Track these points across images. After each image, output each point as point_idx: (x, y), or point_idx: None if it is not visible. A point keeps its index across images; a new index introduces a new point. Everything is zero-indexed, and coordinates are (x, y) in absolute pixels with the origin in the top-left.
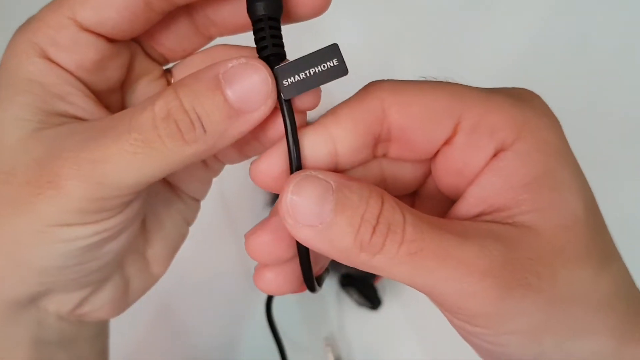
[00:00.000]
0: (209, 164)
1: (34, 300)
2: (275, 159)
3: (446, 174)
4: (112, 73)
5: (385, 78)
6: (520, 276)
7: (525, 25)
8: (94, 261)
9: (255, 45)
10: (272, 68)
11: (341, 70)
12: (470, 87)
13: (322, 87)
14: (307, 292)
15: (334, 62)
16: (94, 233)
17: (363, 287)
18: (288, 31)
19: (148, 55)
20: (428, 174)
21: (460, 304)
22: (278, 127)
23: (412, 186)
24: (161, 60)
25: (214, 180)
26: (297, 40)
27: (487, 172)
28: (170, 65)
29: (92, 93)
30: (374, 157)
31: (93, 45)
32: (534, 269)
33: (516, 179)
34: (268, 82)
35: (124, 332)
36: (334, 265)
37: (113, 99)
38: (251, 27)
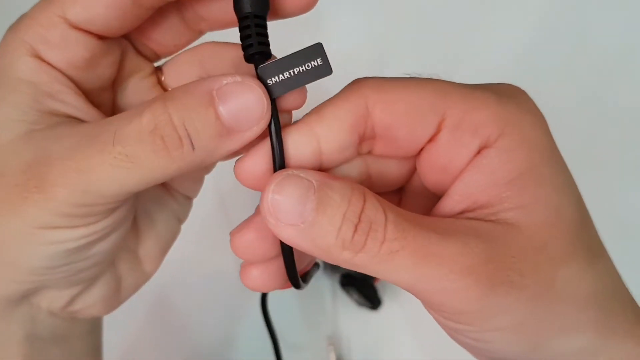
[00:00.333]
0: None
1: (25, 297)
2: (259, 158)
3: (431, 171)
4: (103, 71)
5: (384, 75)
6: (503, 274)
7: (525, 25)
8: (83, 261)
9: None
10: (256, 66)
11: (325, 69)
12: (454, 83)
13: (316, 83)
14: (308, 292)
15: (318, 61)
16: (81, 236)
17: (363, 287)
18: (288, 31)
19: (139, 51)
20: (413, 170)
21: (442, 302)
22: None
23: (398, 182)
24: (152, 56)
25: (211, 176)
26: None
27: (470, 168)
28: (161, 62)
29: (83, 91)
30: (359, 154)
31: (83, 43)
32: (516, 266)
33: (499, 175)
34: (263, 103)
35: (120, 329)
36: (334, 265)
37: (104, 96)
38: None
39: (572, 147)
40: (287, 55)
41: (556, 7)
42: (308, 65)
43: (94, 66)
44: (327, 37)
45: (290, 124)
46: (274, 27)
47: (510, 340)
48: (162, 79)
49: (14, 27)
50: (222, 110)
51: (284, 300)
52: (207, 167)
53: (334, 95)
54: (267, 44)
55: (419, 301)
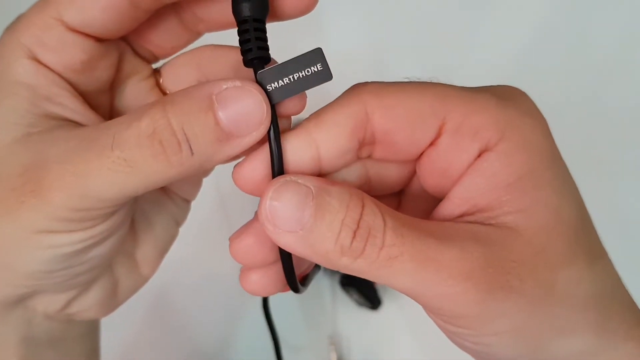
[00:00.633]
0: None
1: (21, 300)
2: (257, 164)
3: (431, 175)
4: (101, 73)
5: (385, 77)
6: (502, 278)
7: (525, 25)
8: (80, 265)
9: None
10: (256, 71)
11: (325, 75)
12: (454, 87)
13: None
14: (308, 292)
15: (318, 66)
16: (78, 240)
17: (363, 287)
18: (287, 32)
19: (137, 53)
20: (413, 173)
21: (442, 306)
22: None
23: (397, 186)
24: (150, 58)
25: (211, 177)
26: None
27: (471, 172)
28: (159, 64)
29: (80, 94)
30: (359, 158)
31: (80, 45)
32: (515, 270)
33: (499, 179)
34: (262, 108)
35: (120, 329)
36: None
37: (102, 99)
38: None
39: (572, 147)
40: (286, 61)
41: (556, 7)
42: (308, 71)
43: (92, 69)
44: (326, 38)
45: (289, 129)
46: (273, 28)
47: (509, 344)
48: (161, 81)
49: (10, 29)
50: (222, 115)
51: (284, 300)
52: (206, 171)
53: (333, 101)
54: (267, 49)
55: None
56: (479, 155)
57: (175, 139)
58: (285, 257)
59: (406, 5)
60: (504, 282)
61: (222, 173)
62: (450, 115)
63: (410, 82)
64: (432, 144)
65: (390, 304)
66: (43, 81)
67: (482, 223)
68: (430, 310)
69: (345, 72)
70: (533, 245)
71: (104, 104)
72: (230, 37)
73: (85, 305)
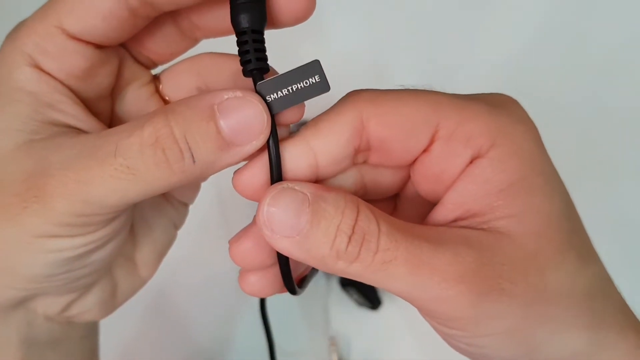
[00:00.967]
0: None
1: (23, 302)
2: (257, 170)
3: (425, 180)
4: (102, 80)
5: (384, 79)
6: (493, 281)
7: (525, 25)
8: (81, 269)
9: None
10: (255, 83)
11: (323, 86)
12: (447, 94)
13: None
14: (307, 292)
15: (316, 78)
16: (80, 245)
17: (363, 287)
18: (286, 33)
19: (136, 60)
20: (408, 178)
21: (436, 309)
22: None
23: (392, 190)
24: (149, 64)
25: (210, 181)
26: (298, 40)
27: (463, 178)
28: (158, 70)
29: (82, 100)
30: (354, 164)
31: (81, 52)
32: (507, 274)
33: (491, 185)
34: (263, 118)
35: (119, 330)
36: None
37: (103, 105)
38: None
39: (572, 148)
40: (285, 72)
41: (556, 7)
42: (306, 82)
43: (93, 75)
44: (326, 40)
45: (287, 137)
46: (272, 30)
47: (503, 345)
48: (160, 87)
49: (11, 37)
50: (223, 124)
51: (283, 300)
52: (205, 177)
53: (330, 109)
54: (265, 59)
55: None
56: (471, 162)
57: (178, 147)
58: (283, 261)
59: (406, 7)
60: (496, 285)
61: (220, 176)
62: (443, 123)
63: (405, 89)
64: (425, 150)
65: (390, 304)
66: (45, 88)
67: (474, 228)
68: (426, 312)
69: (345, 74)
70: (524, 249)
71: (105, 111)
72: (227, 42)
73: (85, 307)
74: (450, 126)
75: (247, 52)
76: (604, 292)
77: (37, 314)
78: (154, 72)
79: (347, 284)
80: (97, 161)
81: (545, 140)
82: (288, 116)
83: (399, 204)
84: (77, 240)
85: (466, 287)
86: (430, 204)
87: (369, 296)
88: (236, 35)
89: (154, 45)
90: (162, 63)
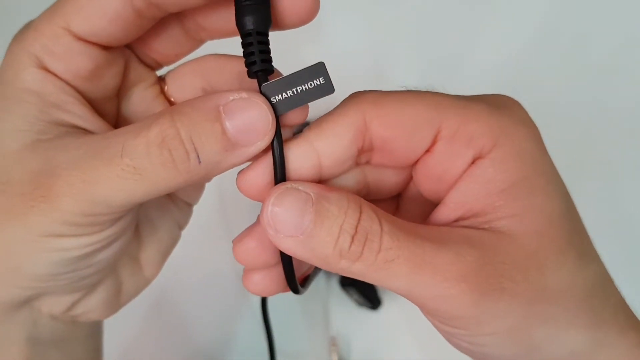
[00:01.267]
0: None
1: (28, 301)
2: (261, 171)
3: (427, 180)
4: (108, 81)
5: (385, 79)
6: (494, 280)
7: (526, 26)
8: (86, 268)
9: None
10: (260, 84)
11: (327, 88)
12: (449, 95)
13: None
14: (308, 292)
15: (321, 80)
16: (86, 244)
17: (363, 287)
18: (287, 33)
19: (141, 61)
20: (410, 178)
21: (438, 308)
22: None
23: (395, 190)
24: (154, 65)
25: (214, 182)
26: (300, 41)
27: (465, 178)
28: (163, 71)
29: (88, 101)
30: (357, 164)
31: (88, 54)
32: (508, 273)
33: (493, 185)
34: (268, 119)
35: (120, 330)
36: None
37: (109, 106)
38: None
39: (572, 148)
40: (290, 74)
41: (556, 8)
42: (310, 84)
43: (99, 76)
44: (327, 40)
45: (291, 137)
46: (272, 32)
47: (504, 344)
48: (165, 88)
49: (18, 38)
50: (229, 125)
51: (284, 300)
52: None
53: (333, 110)
54: (270, 61)
55: None
56: (473, 162)
57: (184, 147)
58: (286, 260)
59: (406, 7)
60: (497, 284)
61: (223, 177)
62: (445, 124)
63: (407, 91)
64: (428, 150)
65: (390, 304)
66: (51, 89)
67: (476, 227)
68: (427, 311)
69: (346, 74)
70: (525, 249)
71: (111, 111)
72: (232, 43)
73: (90, 306)
74: (453, 127)
75: (252, 53)
76: (604, 291)
77: (42, 313)
78: (159, 73)
79: (347, 284)
80: (103, 161)
81: (545, 140)
82: (292, 117)
83: (401, 203)
84: (83, 240)
85: (468, 286)
86: (432, 204)
87: (369, 296)
88: (241, 37)
89: (159, 46)
90: (167, 64)
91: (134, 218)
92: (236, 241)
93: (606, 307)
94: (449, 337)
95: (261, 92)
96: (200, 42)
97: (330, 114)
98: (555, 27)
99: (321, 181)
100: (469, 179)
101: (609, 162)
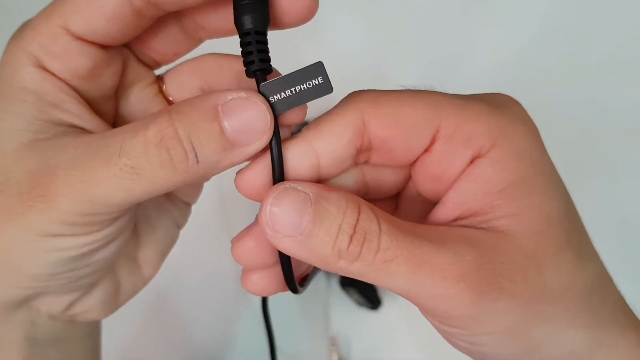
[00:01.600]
0: None
1: (26, 301)
2: (259, 170)
3: (425, 180)
4: (106, 80)
5: (384, 79)
6: (493, 280)
7: (525, 26)
8: (84, 268)
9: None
10: (259, 83)
11: (326, 88)
12: (448, 95)
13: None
14: (308, 292)
15: (319, 79)
16: (84, 244)
17: (363, 287)
18: (286, 33)
19: (140, 60)
20: (409, 177)
21: (436, 307)
22: None
23: (393, 189)
24: (153, 64)
25: (213, 182)
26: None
27: (464, 178)
28: (162, 70)
29: (86, 100)
30: (356, 164)
31: (86, 53)
32: (506, 273)
33: (491, 185)
34: (266, 119)
35: (119, 330)
36: None
37: (107, 105)
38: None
39: (572, 148)
40: (288, 74)
41: (556, 8)
42: (309, 84)
43: (97, 75)
44: (325, 40)
45: (289, 137)
46: (270, 32)
47: (502, 344)
48: (164, 88)
49: (16, 38)
50: (227, 125)
51: (284, 300)
52: (208, 177)
53: (332, 109)
54: (268, 60)
55: None
56: (472, 162)
57: (182, 147)
58: (285, 260)
59: (406, 7)
60: (496, 283)
61: (221, 177)
62: (444, 123)
63: (406, 90)
64: (426, 150)
65: (390, 304)
66: (50, 88)
67: (475, 227)
68: (426, 311)
69: (345, 74)
70: (524, 248)
71: (109, 111)
72: (230, 43)
73: (88, 306)
74: (451, 126)
75: (251, 53)
76: (603, 290)
77: (41, 313)
78: (157, 72)
79: (347, 284)
80: (101, 161)
81: (545, 140)
82: (290, 117)
83: (400, 203)
84: (81, 240)
85: (466, 285)
86: (431, 204)
87: (369, 296)
88: (239, 36)
89: (157, 45)
90: (165, 63)
91: (132, 217)
92: (235, 241)
93: (605, 307)
94: (448, 337)
95: (259, 92)
96: (198, 41)
97: (328, 113)
98: (555, 27)
99: (320, 181)
100: (468, 179)
101: (608, 162)
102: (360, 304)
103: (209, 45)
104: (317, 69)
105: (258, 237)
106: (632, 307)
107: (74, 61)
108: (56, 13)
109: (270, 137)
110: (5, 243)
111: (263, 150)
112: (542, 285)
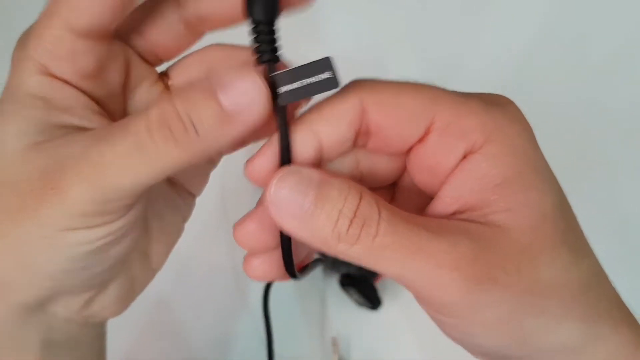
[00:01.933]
0: None
1: (42, 303)
2: (267, 157)
3: (419, 171)
4: (112, 78)
5: (383, 76)
6: (488, 271)
7: (525, 26)
8: (100, 264)
9: (249, 44)
10: (269, 74)
11: (333, 82)
12: (445, 90)
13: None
14: (308, 291)
15: (327, 74)
16: (99, 237)
17: (363, 287)
18: (288, 30)
19: (143, 58)
20: (404, 167)
21: (430, 294)
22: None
23: (389, 178)
24: (156, 61)
25: (213, 176)
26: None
27: (457, 173)
28: (164, 67)
29: (94, 101)
30: (354, 146)
31: (90, 51)
32: (501, 265)
33: (487, 180)
34: (262, 91)
35: (118, 331)
36: (335, 265)
37: (115, 105)
38: (240, 21)
39: (572, 148)
40: (298, 66)
41: (556, 8)
42: (317, 77)
43: (103, 73)
44: (324, 40)
45: (292, 121)
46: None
47: (495, 334)
48: (170, 83)
49: (21, 45)
50: (223, 98)
51: (283, 300)
52: (213, 161)
53: (333, 95)
54: (277, 50)
55: None
56: (465, 157)
57: (181, 122)
58: (285, 243)
59: (406, 6)
60: (490, 274)
61: (223, 172)
62: (439, 116)
63: (405, 81)
64: (421, 140)
65: (390, 304)
66: (57, 94)
67: (473, 221)
68: (421, 299)
69: (344, 72)
70: (519, 242)
71: (118, 111)
72: (234, 35)
73: (104, 304)
74: (446, 119)
75: (262, 43)
76: (598, 285)
77: (57, 315)
78: (160, 68)
79: (347, 284)
80: (108, 145)
81: (544, 140)
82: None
83: (396, 194)
84: (95, 232)
85: (460, 274)
86: (427, 197)
87: (369, 296)
88: (250, 26)
89: (159, 39)
90: (168, 59)
91: (144, 209)
92: (237, 224)
93: (601, 301)
94: (443, 327)
95: (269, 81)
96: (200, 34)
97: (329, 99)
98: (555, 27)
99: (322, 163)
100: (462, 174)
101: (607, 162)
102: (360, 304)
103: (209, 40)
104: (326, 63)
105: (260, 219)
106: (630, 306)
107: (80, 61)
108: (56, 14)
109: (267, 106)
110: (20, 243)
111: (270, 137)
112: (536, 278)
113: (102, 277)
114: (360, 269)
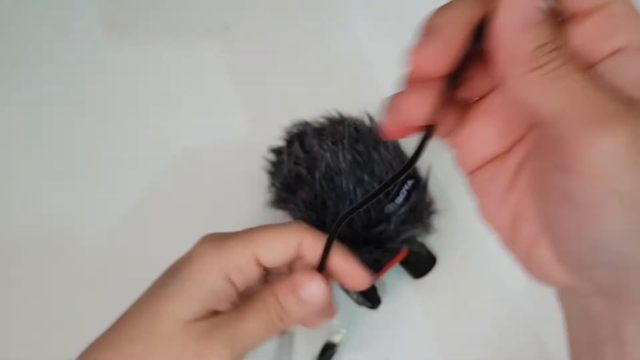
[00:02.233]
0: None
1: None
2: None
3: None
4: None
5: (386, 77)
6: None
7: None
8: None
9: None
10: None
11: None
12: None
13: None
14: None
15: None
16: None
17: None
18: (288, 29)
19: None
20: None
21: (581, 135)
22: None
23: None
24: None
25: (214, 178)
26: (298, 41)
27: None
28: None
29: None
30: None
31: (258, 272)
32: None
33: None
34: (324, 288)
35: None
36: None
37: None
38: None
39: None
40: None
41: None
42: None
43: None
44: (325, 39)
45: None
46: (277, 27)
47: (623, 211)
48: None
49: (216, 250)
50: (302, 293)
51: None
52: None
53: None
54: None
55: (419, 301)
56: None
57: (282, 310)
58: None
59: (406, 5)
60: None
61: (226, 175)
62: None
63: None
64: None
65: (390, 304)
66: (225, 291)
67: None
68: (561, 147)
69: (345, 72)
70: None
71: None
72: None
73: None
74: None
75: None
76: None
77: None
78: None
79: None
80: (248, 323)
81: None
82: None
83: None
84: None
85: (628, 127)
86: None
87: (368, 295)
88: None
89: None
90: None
91: None
92: (415, 49)
93: None
94: (558, 204)
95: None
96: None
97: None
98: None
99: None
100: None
101: None
102: (360, 303)
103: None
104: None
105: (443, 39)
106: None
107: (251, 275)
108: (252, 244)
109: (330, 298)
110: None
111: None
112: None
113: None
114: None
